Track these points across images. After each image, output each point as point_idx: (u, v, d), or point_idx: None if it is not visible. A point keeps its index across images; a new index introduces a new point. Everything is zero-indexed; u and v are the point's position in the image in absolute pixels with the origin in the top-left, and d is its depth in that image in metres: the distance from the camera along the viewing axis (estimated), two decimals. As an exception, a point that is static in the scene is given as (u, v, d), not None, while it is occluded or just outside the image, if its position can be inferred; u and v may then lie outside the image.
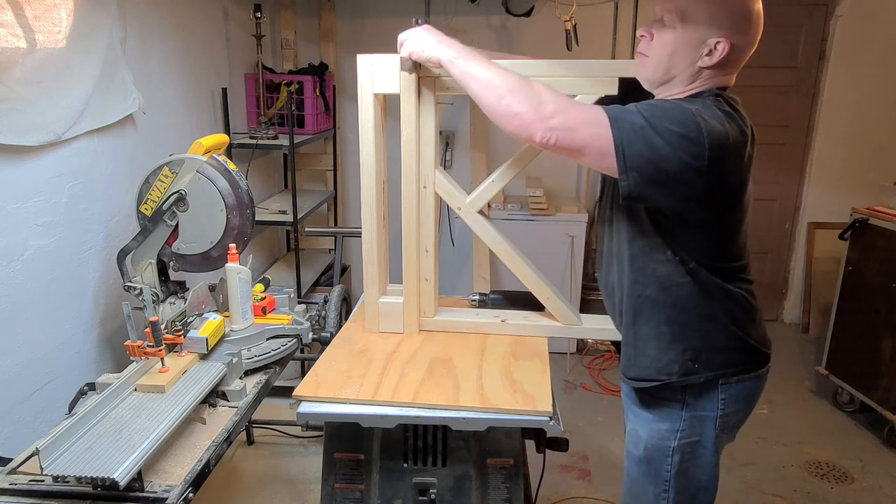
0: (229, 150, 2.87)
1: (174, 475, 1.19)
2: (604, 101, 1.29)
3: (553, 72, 1.35)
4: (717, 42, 1.17)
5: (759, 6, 1.19)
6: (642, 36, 1.26)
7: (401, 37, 1.33)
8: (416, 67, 1.36)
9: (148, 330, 1.38)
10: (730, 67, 1.22)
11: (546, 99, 1.14)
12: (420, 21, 1.34)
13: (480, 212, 1.48)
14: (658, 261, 1.26)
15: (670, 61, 1.22)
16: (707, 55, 1.19)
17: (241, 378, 1.51)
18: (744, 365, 1.30)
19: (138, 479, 1.12)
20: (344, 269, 3.79)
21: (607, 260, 1.40)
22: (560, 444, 1.35)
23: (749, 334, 1.29)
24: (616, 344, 1.50)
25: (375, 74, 1.38)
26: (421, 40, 1.28)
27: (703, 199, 1.15)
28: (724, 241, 1.25)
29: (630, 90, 1.34)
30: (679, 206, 1.17)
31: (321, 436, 2.12)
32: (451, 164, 3.85)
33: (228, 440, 1.34)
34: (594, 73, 1.33)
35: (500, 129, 1.20)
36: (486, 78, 1.18)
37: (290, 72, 3.47)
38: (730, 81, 1.25)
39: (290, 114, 2.82)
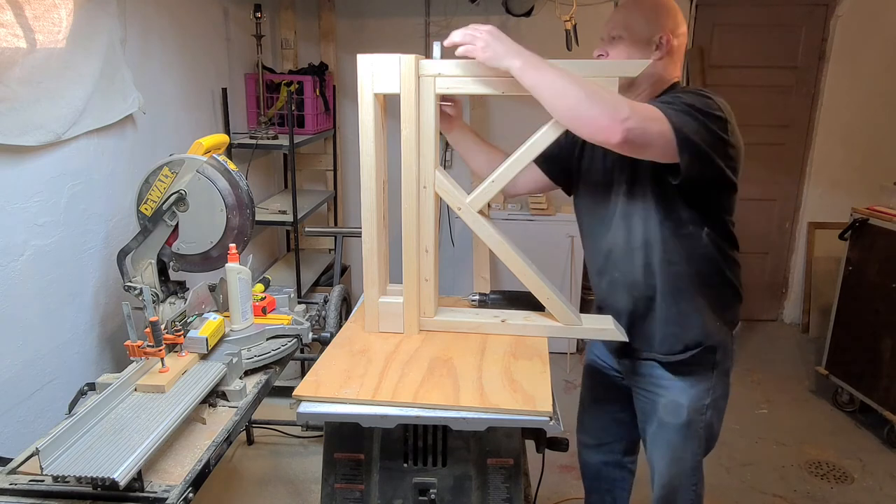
0: (229, 150, 2.87)
1: (174, 475, 1.19)
2: None
3: (553, 72, 1.34)
4: (661, 37, 1.44)
5: (678, 9, 1.49)
6: (599, 55, 1.49)
7: (463, 34, 1.31)
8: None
9: (148, 330, 1.38)
10: (675, 55, 1.48)
11: (619, 102, 1.23)
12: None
13: (480, 212, 1.48)
14: (682, 235, 1.45)
15: None
16: (656, 49, 1.45)
17: (241, 378, 1.51)
18: (739, 314, 1.58)
19: (138, 479, 1.12)
20: (344, 269, 3.79)
21: (624, 256, 1.52)
22: (560, 444, 1.35)
23: (742, 287, 1.55)
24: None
25: (375, 74, 1.38)
26: (493, 46, 1.28)
27: (730, 164, 1.36)
28: (734, 202, 1.47)
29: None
30: (714, 175, 1.36)
31: (321, 436, 2.12)
32: (451, 164, 3.85)
33: (228, 440, 1.34)
34: (594, 73, 1.33)
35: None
36: (560, 85, 1.24)
37: (290, 72, 3.47)
38: (678, 71, 1.50)
39: (290, 114, 2.82)
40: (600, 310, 1.64)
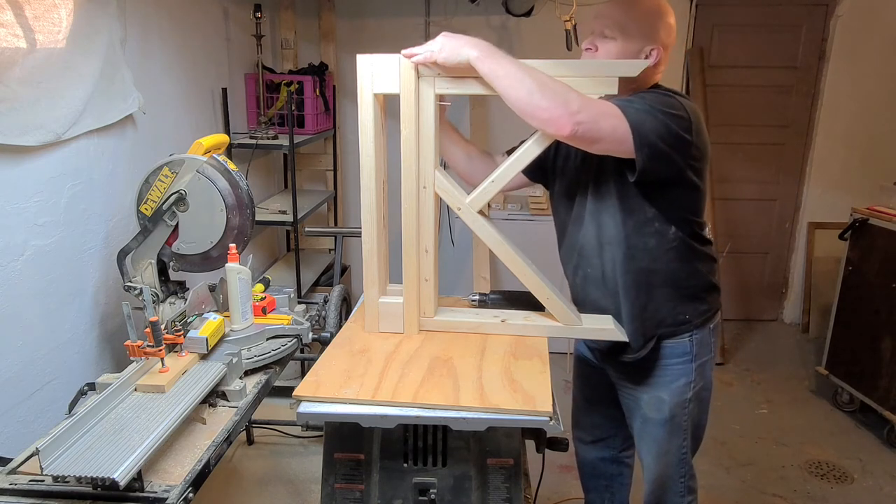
0: (229, 150, 2.87)
1: (174, 475, 1.19)
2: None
3: (553, 72, 1.34)
4: (652, 49, 1.44)
5: (673, 15, 1.49)
6: (587, 49, 1.47)
7: (422, 50, 1.33)
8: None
9: (148, 330, 1.38)
10: (661, 66, 1.48)
11: (571, 96, 1.25)
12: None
13: (480, 212, 1.48)
14: (648, 233, 1.46)
15: None
16: (645, 58, 1.43)
17: (241, 378, 1.51)
18: (717, 305, 1.59)
19: (138, 479, 1.12)
20: (344, 269, 3.79)
21: (594, 253, 1.54)
22: (560, 444, 1.36)
23: (718, 280, 1.58)
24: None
25: (375, 74, 1.38)
26: (447, 45, 1.30)
27: (692, 164, 1.39)
28: (699, 202, 1.48)
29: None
30: (674, 174, 1.38)
31: (321, 436, 2.12)
32: (451, 164, 3.85)
33: (228, 440, 1.35)
34: (594, 73, 1.33)
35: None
36: (515, 75, 1.26)
37: (290, 72, 3.47)
38: (659, 75, 1.50)
39: (290, 114, 2.82)
40: (577, 307, 1.64)
